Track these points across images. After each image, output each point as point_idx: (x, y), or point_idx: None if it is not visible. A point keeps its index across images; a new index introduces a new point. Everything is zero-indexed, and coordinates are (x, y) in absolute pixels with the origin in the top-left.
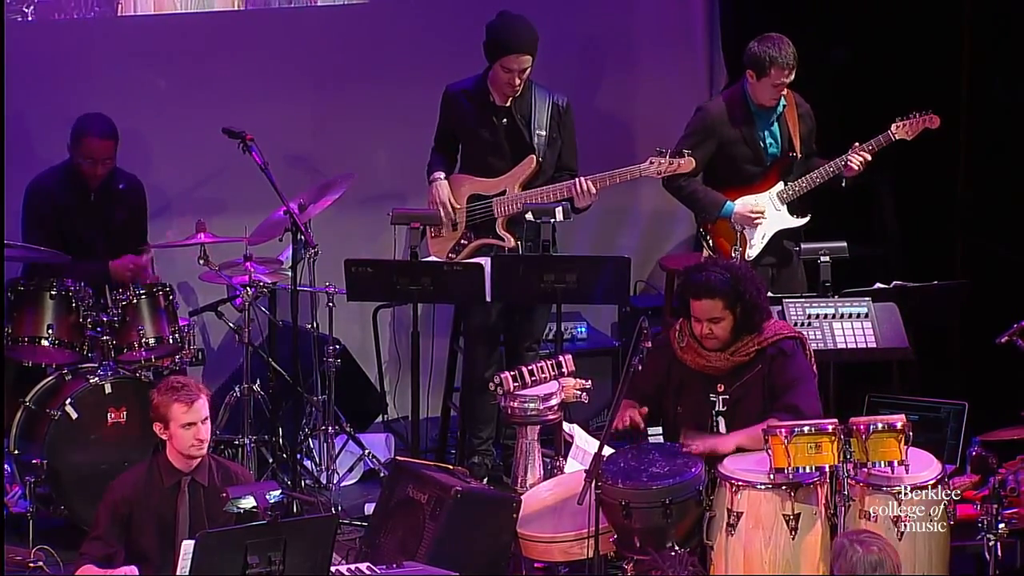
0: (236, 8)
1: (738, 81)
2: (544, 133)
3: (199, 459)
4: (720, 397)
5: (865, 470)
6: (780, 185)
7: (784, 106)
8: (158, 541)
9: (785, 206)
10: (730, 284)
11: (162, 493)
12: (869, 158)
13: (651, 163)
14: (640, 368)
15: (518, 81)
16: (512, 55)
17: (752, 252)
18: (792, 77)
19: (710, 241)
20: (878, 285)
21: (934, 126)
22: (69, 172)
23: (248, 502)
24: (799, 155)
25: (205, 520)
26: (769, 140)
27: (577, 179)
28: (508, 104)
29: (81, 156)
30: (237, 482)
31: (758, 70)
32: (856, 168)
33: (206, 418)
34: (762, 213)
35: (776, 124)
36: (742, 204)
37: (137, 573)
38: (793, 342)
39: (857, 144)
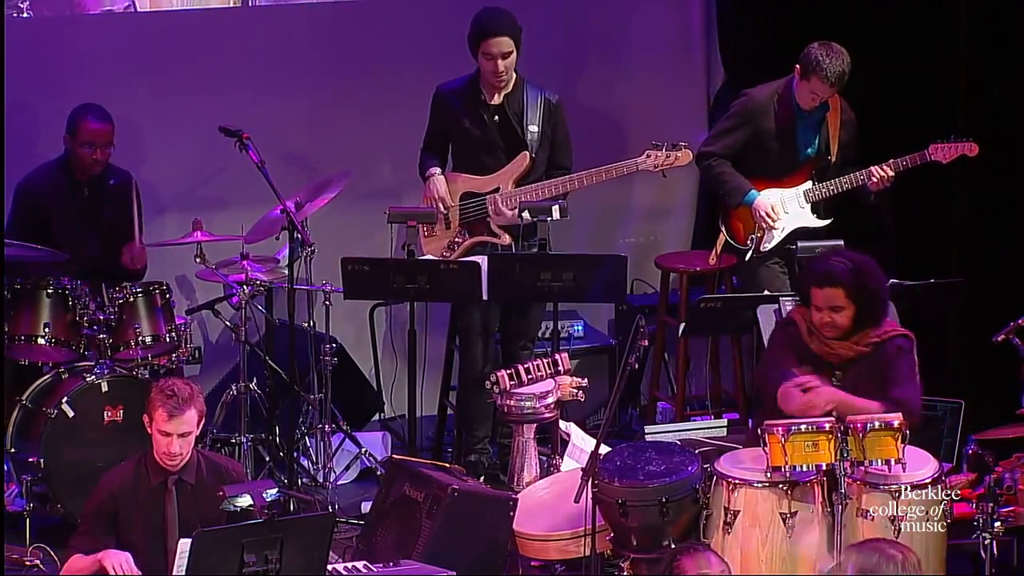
0: (233, 5)
1: (787, 76)
2: (537, 129)
3: (173, 466)
4: (835, 385)
5: (862, 468)
6: (809, 184)
7: (828, 111)
8: (147, 538)
9: (809, 205)
10: (853, 274)
11: (149, 491)
12: (892, 173)
13: (647, 156)
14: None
15: (501, 67)
16: (489, 39)
17: (768, 244)
18: (832, 93)
19: (728, 222)
20: None
21: (973, 153)
22: (62, 168)
23: (245, 501)
24: (835, 160)
25: (196, 518)
26: (807, 140)
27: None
28: (500, 101)
29: (81, 143)
30: (227, 477)
31: (803, 71)
32: (876, 180)
33: (185, 434)
34: (775, 223)
35: (818, 127)
36: (766, 198)
37: (129, 555)
38: (908, 340)
39: (893, 160)
